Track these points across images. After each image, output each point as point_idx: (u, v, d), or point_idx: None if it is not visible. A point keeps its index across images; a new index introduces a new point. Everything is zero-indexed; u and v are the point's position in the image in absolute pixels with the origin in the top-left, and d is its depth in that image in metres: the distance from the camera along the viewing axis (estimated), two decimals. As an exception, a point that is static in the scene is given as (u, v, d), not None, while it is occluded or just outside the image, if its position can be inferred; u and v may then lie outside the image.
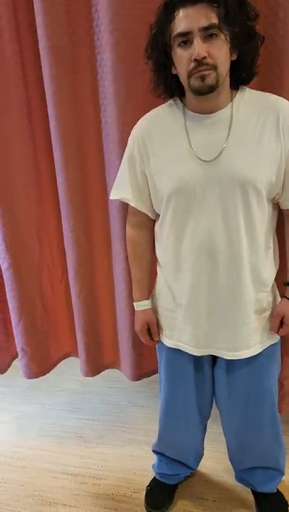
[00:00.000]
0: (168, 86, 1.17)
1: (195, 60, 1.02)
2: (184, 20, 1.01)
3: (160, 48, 1.09)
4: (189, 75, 1.05)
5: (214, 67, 1.03)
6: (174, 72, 1.12)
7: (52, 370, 1.93)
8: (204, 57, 1.01)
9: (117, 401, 2.19)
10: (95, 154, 1.48)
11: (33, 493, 1.70)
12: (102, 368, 1.82)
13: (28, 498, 1.68)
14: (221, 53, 1.04)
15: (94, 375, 1.81)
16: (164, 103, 1.22)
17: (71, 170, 1.47)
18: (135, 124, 1.24)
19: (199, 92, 1.07)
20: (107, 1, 1.23)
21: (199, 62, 1.02)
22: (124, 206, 1.39)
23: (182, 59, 1.05)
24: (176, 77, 1.12)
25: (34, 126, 1.53)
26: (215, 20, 1.00)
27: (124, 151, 1.28)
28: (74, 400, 2.22)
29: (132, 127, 1.25)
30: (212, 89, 1.06)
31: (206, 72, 1.03)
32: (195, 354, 1.29)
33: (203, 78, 1.04)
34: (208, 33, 1.01)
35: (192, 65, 1.03)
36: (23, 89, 1.46)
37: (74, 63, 1.35)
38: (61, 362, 1.96)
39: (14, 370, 1.97)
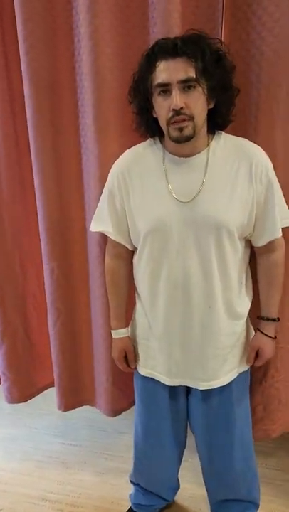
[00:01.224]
0: (149, 127, 1.24)
1: (173, 109, 1.09)
2: (163, 72, 1.09)
3: (142, 94, 1.17)
4: (168, 123, 1.12)
5: (191, 118, 1.10)
6: (154, 115, 1.19)
7: (41, 394, 1.94)
8: (182, 108, 1.08)
9: (102, 427, 2.19)
10: (74, 189, 1.53)
11: (10, 519, 1.71)
12: (76, 404, 1.81)
13: (5, 524, 1.69)
14: (197, 104, 1.10)
15: (66, 410, 1.80)
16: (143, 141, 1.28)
17: (50, 203, 1.51)
18: (115, 161, 1.30)
19: (177, 141, 1.14)
20: (90, 46, 1.29)
21: (177, 112, 1.09)
22: (104, 241, 1.43)
23: (162, 108, 1.12)
24: (156, 119, 1.19)
25: (21, 158, 1.59)
26: (192, 74, 1.07)
27: (103, 187, 1.33)
28: (59, 424, 2.23)
29: (111, 165, 1.30)
30: (189, 138, 1.13)
31: (184, 124, 1.10)
32: (168, 384, 1.33)
33: (180, 129, 1.11)
34: (186, 85, 1.08)
35: (170, 114, 1.10)
36: (11, 125, 1.53)
37: (56, 101, 1.41)
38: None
39: (0, 392, 1.99)
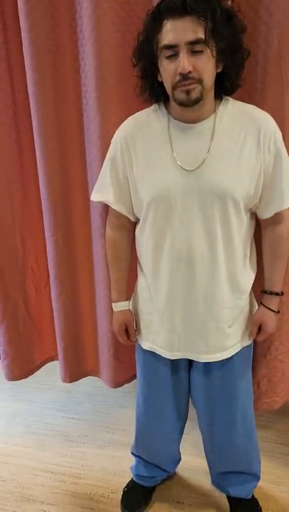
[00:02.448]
0: (153, 92, 1.18)
1: (180, 73, 1.03)
2: (170, 32, 1.02)
3: (147, 56, 1.10)
4: (174, 88, 1.06)
5: (199, 81, 1.04)
6: (159, 79, 1.13)
7: (42, 368, 1.94)
8: (189, 72, 1.02)
9: (104, 401, 2.20)
10: (77, 159, 1.49)
11: (12, 489, 1.72)
12: (80, 375, 1.82)
13: (8, 493, 1.71)
14: (206, 67, 1.04)
15: (72, 381, 1.81)
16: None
17: (52, 175, 1.48)
18: (116, 130, 1.25)
19: (184, 105, 1.09)
20: (90, 8, 1.24)
21: (184, 76, 1.03)
22: (106, 212, 1.40)
23: (168, 71, 1.06)
24: (161, 83, 1.13)
25: (20, 130, 1.54)
26: (202, 35, 1.00)
27: (105, 157, 1.29)
28: (61, 399, 2.24)
29: (114, 133, 1.25)
30: (197, 102, 1.08)
31: (191, 87, 1.04)
32: (168, 357, 1.31)
33: (188, 92, 1.05)
34: (194, 47, 1.02)
35: (177, 78, 1.04)
36: (9, 93, 1.47)
37: (57, 68, 1.36)
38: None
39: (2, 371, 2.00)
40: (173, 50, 1.03)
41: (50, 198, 1.52)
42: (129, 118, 1.24)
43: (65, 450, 1.91)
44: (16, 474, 1.79)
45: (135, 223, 1.32)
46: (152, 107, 1.22)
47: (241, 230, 1.20)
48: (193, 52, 1.02)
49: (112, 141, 1.25)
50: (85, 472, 1.79)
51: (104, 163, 1.29)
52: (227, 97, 1.18)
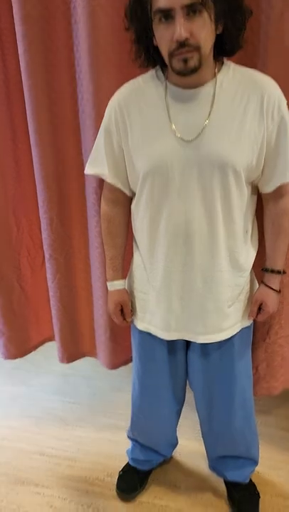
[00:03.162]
0: (149, 57, 1.11)
1: (177, 40, 0.96)
2: None
3: (139, 19, 1.03)
4: (171, 55, 1.00)
5: (197, 48, 0.98)
6: (155, 43, 1.06)
7: (38, 352, 1.92)
8: (186, 39, 0.95)
9: (101, 385, 2.17)
10: (71, 132, 1.43)
11: (7, 472, 1.70)
12: (77, 356, 1.80)
13: (2, 476, 1.68)
14: (204, 32, 0.97)
15: (69, 362, 1.79)
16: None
17: (45, 148, 1.42)
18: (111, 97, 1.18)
19: (182, 74, 1.02)
20: None
21: (181, 44, 0.96)
22: (102, 187, 1.34)
23: (163, 37, 0.99)
24: (157, 48, 1.05)
25: (12, 107, 1.48)
26: None
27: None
28: (59, 383, 2.21)
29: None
30: (195, 70, 1.01)
31: (189, 55, 0.98)
32: (165, 338, 1.27)
33: (185, 61, 0.99)
34: (191, 10, 0.94)
35: (174, 45, 0.97)
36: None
37: (49, 34, 1.29)
38: (48, 344, 1.95)
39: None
40: (167, 14, 0.95)
41: (44, 173, 1.46)
42: (123, 85, 1.17)
43: (62, 433, 1.88)
44: (12, 457, 1.77)
45: (131, 198, 1.27)
46: (149, 72, 1.15)
47: (242, 204, 1.14)
48: (189, 16, 0.95)
49: (106, 110, 1.19)
50: (81, 455, 1.76)
51: (98, 134, 1.23)
52: (228, 61, 1.11)
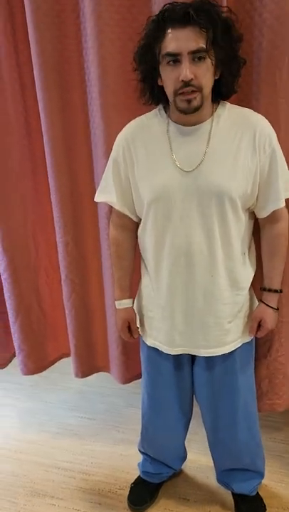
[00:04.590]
0: (153, 95, 1.24)
1: (182, 80, 1.08)
2: (173, 41, 1.07)
3: (148, 61, 1.16)
4: (176, 94, 1.12)
5: (199, 89, 1.10)
6: (159, 83, 1.19)
7: (55, 369, 2.01)
8: (191, 79, 1.07)
9: (115, 401, 2.25)
10: (85, 164, 1.56)
11: (24, 484, 1.78)
12: (92, 371, 1.88)
13: (19, 488, 1.76)
14: (206, 75, 1.10)
15: (84, 377, 1.87)
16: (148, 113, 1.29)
17: (61, 178, 1.55)
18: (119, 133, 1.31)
19: (185, 113, 1.14)
20: (93, 19, 1.31)
21: (186, 83, 1.08)
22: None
23: (170, 78, 1.11)
24: (161, 87, 1.19)
25: (31, 136, 1.63)
26: (203, 45, 1.06)
27: None
28: (74, 399, 2.29)
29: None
30: (197, 109, 1.14)
31: (192, 96, 1.10)
32: (170, 353, 1.35)
33: (189, 101, 1.11)
34: (196, 56, 1.07)
35: (179, 84, 1.09)
36: (20, 101, 1.56)
37: (64, 77, 1.44)
38: (64, 361, 2.03)
39: (15, 366, 2.06)
40: (175, 58, 1.08)
41: (60, 201, 1.59)
42: (130, 122, 1.30)
43: (76, 448, 1.95)
44: (28, 470, 1.85)
45: (137, 223, 1.38)
46: (152, 111, 1.28)
47: (239, 228, 1.25)
48: (194, 61, 1.07)
49: (114, 144, 1.32)
50: (94, 469, 1.83)
51: (107, 165, 1.35)
52: (224, 102, 1.23)
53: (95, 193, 1.57)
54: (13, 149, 1.61)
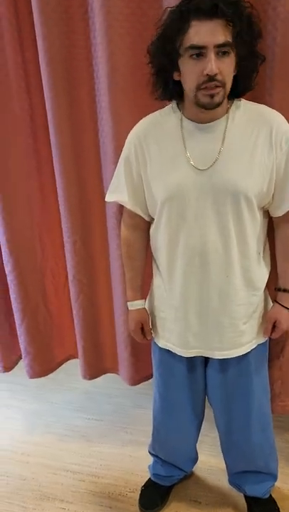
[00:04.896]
0: (167, 90, 1.19)
1: (207, 75, 1.04)
2: (199, 34, 1.01)
3: (166, 53, 1.10)
4: (198, 89, 1.07)
5: (223, 85, 1.06)
6: (176, 78, 1.14)
7: (61, 370, 1.98)
8: (216, 74, 1.04)
9: (122, 402, 2.22)
10: (92, 162, 1.53)
11: (33, 488, 1.76)
12: (100, 372, 1.85)
13: (28, 492, 1.74)
14: (230, 71, 1.07)
15: (92, 379, 1.85)
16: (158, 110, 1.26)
17: (68, 177, 1.52)
18: (129, 132, 1.28)
19: (206, 108, 1.10)
20: (102, 14, 1.28)
21: (210, 78, 1.04)
22: (120, 213, 1.43)
23: (193, 71, 1.06)
24: (177, 82, 1.14)
25: (37, 134, 1.59)
26: (230, 39, 1.02)
27: (119, 158, 1.32)
28: (80, 400, 2.27)
29: (127, 136, 1.28)
30: (218, 105, 1.10)
31: (215, 91, 1.06)
32: (183, 355, 1.33)
33: (212, 96, 1.07)
34: (221, 50, 1.03)
35: (203, 79, 1.05)
36: (26, 99, 1.53)
37: (72, 74, 1.40)
38: (70, 362, 2.01)
39: (22, 368, 2.04)
40: (199, 51, 1.03)
41: (68, 200, 1.56)
42: (142, 119, 1.26)
43: (84, 450, 1.93)
44: (36, 473, 1.83)
45: (149, 223, 1.35)
46: (165, 108, 1.25)
47: (255, 227, 1.22)
48: (218, 55, 1.03)
49: (126, 141, 1.28)
50: (103, 471, 1.81)
51: (118, 164, 1.32)
52: (239, 98, 1.20)
53: (103, 191, 1.56)
54: (18, 148, 1.58)
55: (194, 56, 1.04)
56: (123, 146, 1.29)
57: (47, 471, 1.83)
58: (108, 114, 1.39)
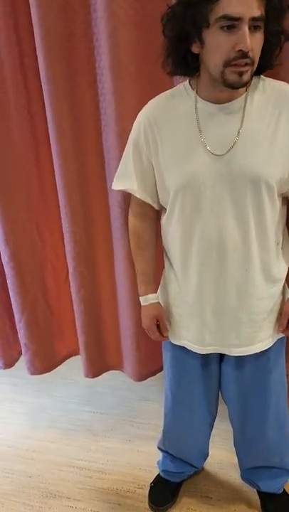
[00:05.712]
0: (182, 64, 1.07)
1: (240, 50, 0.94)
2: (236, 3, 0.91)
3: (190, 23, 0.97)
4: (226, 65, 0.97)
5: (252, 63, 0.97)
6: (194, 50, 1.02)
7: (63, 363, 1.93)
8: (248, 51, 0.94)
9: (128, 395, 2.17)
10: (93, 147, 1.45)
11: (38, 485, 1.71)
12: (103, 370, 1.80)
13: (34, 489, 1.69)
14: (260, 48, 0.98)
15: (95, 376, 1.79)
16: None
17: (68, 164, 1.43)
18: (135, 114, 1.18)
19: (231, 86, 1.00)
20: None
21: (243, 54, 0.94)
22: (126, 201, 1.34)
23: (222, 45, 0.95)
24: (195, 55, 1.03)
25: (34, 120, 1.50)
26: (263, 12, 0.93)
27: (124, 143, 1.22)
28: (85, 394, 2.22)
29: (132, 118, 1.18)
30: (245, 84, 1.01)
31: (245, 69, 0.97)
32: (200, 352, 1.26)
33: (240, 74, 0.97)
34: (254, 24, 0.93)
35: (234, 55, 0.95)
36: (21, 80, 1.43)
37: (70, 51, 1.31)
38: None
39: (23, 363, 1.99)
40: (232, 23, 0.92)
41: (66, 188, 1.48)
42: (152, 100, 1.16)
43: (91, 445, 1.88)
44: (42, 470, 1.78)
45: (158, 211, 1.26)
46: (176, 87, 1.14)
47: (274, 216, 1.13)
48: (251, 31, 0.94)
49: (134, 124, 1.18)
50: (110, 467, 1.76)
51: (126, 149, 1.22)
52: (258, 75, 1.09)
53: (105, 177, 1.48)
54: (14, 136, 1.49)
55: (225, 28, 0.94)
56: (127, 129, 1.20)
57: (53, 468, 1.78)
58: (111, 95, 1.30)
